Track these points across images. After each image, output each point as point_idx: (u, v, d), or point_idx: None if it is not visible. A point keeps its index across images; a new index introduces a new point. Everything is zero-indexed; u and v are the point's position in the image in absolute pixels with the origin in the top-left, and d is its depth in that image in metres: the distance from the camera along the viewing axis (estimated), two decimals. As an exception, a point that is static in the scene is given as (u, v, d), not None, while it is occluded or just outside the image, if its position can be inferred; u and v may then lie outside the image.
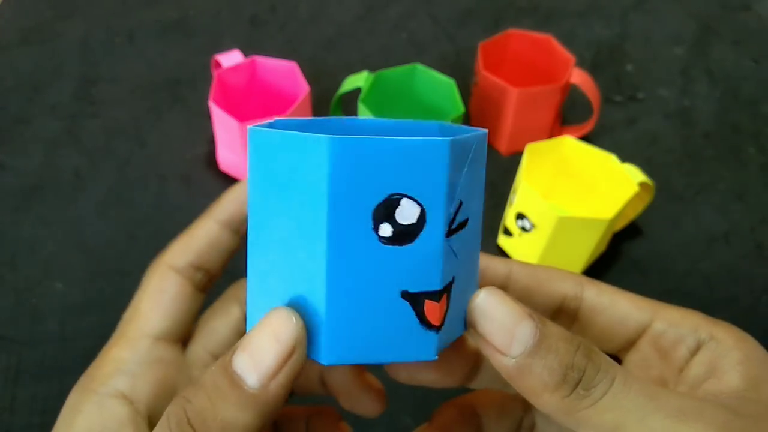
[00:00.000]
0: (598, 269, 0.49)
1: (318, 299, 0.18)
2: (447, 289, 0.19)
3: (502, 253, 0.50)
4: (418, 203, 0.18)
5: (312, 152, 0.17)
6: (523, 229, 0.46)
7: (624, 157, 0.48)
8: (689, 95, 0.63)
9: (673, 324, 0.23)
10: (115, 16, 0.69)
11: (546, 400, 0.19)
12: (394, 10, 0.72)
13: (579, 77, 0.53)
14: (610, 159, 0.47)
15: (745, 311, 0.47)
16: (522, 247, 0.47)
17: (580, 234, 0.44)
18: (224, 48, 0.56)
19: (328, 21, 0.70)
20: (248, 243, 0.20)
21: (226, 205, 0.26)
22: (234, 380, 0.18)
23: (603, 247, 0.48)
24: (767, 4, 0.73)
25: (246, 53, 0.55)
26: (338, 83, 0.55)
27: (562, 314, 0.25)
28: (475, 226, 0.20)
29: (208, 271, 0.26)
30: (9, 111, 0.59)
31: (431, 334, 0.19)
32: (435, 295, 0.19)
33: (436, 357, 0.19)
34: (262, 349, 0.18)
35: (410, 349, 0.19)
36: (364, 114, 0.50)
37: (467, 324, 0.20)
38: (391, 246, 0.18)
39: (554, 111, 0.54)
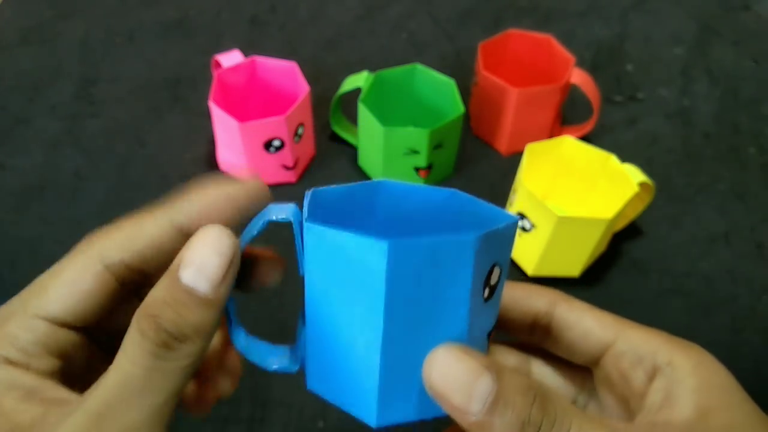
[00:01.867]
0: (598, 269, 0.49)
1: (372, 373, 0.21)
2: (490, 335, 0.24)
3: (502, 253, 0.50)
4: (501, 267, 0.22)
5: (371, 255, 0.20)
6: (523, 229, 0.46)
7: (624, 157, 0.48)
8: (689, 95, 0.63)
9: (634, 346, 0.24)
10: (115, 16, 0.69)
11: None
12: (394, 10, 0.72)
13: (579, 77, 0.53)
14: (610, 159, 0.47)
15: (745, 311, 0.47)
16: (522, 247, 0.47)
17: (580, 234, 0.44)
18: (224, 48, 0.56)
19: (328, 21, 0.70)
20: (307, 317, 0.22)
21: (187, 209, 0.25)
22: (188, 292, 0.20)
23: (603, 247, 0.48)
24: (767, 4, 0.73)
25: (246, 53, 0.55)
26: (338, 83, 0.55)
27: (536, 329, 0.27)
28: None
29: (145, 272, 0.24)
30: (9, 111, 0.59)
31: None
32: (492, 331, 0.24)
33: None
34: (207, 263, 0.21)
35: None
36: (364, 114, 0.50)
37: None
38: (485, 303, 0.22)
39: (554, 111, 0.54)
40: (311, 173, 0.55)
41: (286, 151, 0.51)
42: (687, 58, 0.67)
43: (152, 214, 0.25)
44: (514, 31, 0.57)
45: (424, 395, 0.21)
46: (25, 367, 0.22)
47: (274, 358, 0.24)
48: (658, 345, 0.24)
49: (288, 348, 0.24)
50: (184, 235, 0.24)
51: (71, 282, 0.24)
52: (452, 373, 0.20)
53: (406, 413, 0.22)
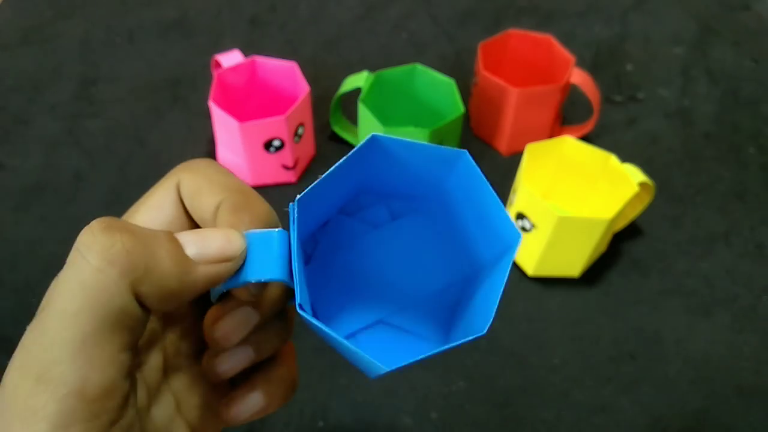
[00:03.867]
0: (598, 269, 0.49)
1: None
2: None
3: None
4: None
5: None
6: (524, 229, 0.46)
7: (624, 157, 0.48)
8: (689, 95, 0.63)
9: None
10: (115, 16, 0.69)
11: None
12: (394, 10, 0.72)
13: (579, 77, 0.53)
14: (610, 159, 0.47)
15: (745, 311, 0.47)
16: (522, 247, 0.47)
17: (580, 234, 0.44)
18: (224, 48, 0.56)
19: (328, 21, 0.70)
20: None
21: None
22: (174, 240, 0.20)
23: (603, 247, 0.48)
24: (767, 4, 0.73)
25: (246, 53, 0.55)
26: (338, 83, 0.55)
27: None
28: None
29: None
30: (9, 111, 0.59)
31: None
32: None
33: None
34: (211, 240, 0.20)
35: None
36: (364, 113, 0.50)
37: None
38: None
39: (554, 111, 0.54)
40: (311, 173, 0.55)
41: (286, 151, 0.51)
42: (687, 58, 0.67)
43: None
44: (514, 31, 0.57)
45: None
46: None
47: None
48: None
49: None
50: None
51: (156, 206, 0.24)
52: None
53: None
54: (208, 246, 0.20)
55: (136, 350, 0.20)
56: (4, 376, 0.20)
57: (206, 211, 0.22)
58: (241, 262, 0.21)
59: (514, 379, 0.43)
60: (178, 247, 0.20)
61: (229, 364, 0.23)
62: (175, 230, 0.21)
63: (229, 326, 0.22)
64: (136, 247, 0.19)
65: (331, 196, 0.23)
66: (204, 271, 0.20)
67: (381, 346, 0.24)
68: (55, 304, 0.20)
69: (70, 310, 0.19)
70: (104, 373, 0.18)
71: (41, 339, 0.20)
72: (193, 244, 0.20)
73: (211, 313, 0.22)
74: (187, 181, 0.23)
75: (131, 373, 0.20)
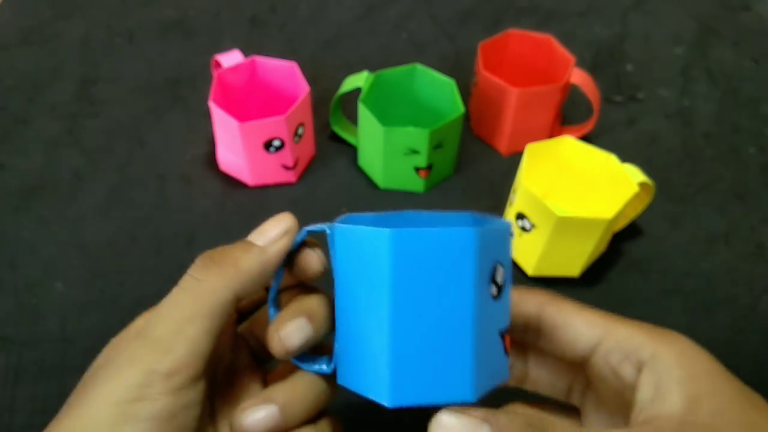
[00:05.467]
0: (598, 269, 0.49)
1: (382, 355, 0.23)
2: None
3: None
4: (504, 267, 0.25)
5: (378, 244, 0.23)
6: (523, 229, 0.46)
7: (624, 157, 0.48)
8: (689, 95, 0.63)
9: (619, 342, 0.25)
10: (115, 16, 0.69)
11: None
12: (394, 10, 0.72)
13: (579, 77, 0.53)
14: (610, 159, 0.47)
15: (745, 311, 0.47)
16: (522, 247, 0.47)
17: (580, 234, 0.44)
18: (224, 48, 0.56)
19: (328, 21, 0.70)
20: (336, 313, 0.26)
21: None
22: (246, 242, 0.27)
23: (603, 247, 0.48)
24: (767, 4, 0.73)
25: (246, 53, 0.55)
26: (338, 83, 0.55)
27: (528, 330, 0.28)
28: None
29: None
30: (9, 111, 0.59)
31: (506, 358, 0.25)
32: (508, 330, 0.26)
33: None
34: (268, 228, 0.27)
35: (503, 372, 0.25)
36: (364, 113, 0.50)
37: None
38: (493, 301, 0.24)
39: (554, 111, 0.54)
40: (311, 173, 0.55)
41: (286, 151, 0.51)
42: (687, 58, 0.67)
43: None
44: (514, 31, 0.57)
45: (437, 381, 0.23)
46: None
47: (314, 364, 0.27)
48: (642, 339, 0.25)
49: (327, 357, 0.28)
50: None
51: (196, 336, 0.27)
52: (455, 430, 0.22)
53: (419, 396, 0.23)
54: (268, 232, 0.27)
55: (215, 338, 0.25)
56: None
57: None
58: (296, 231, 0.27)
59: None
60: (249, 244, 0.27)
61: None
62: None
63: (289, 329, 0.26)
64: (223, 257, 0.26)
65: None
66: (274, 249, 0.27)
67: None
68: (166, 299, 0.26)
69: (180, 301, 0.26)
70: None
71: (153, 318, 0.25)
72: (258, 236, 0.27)
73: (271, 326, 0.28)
74: None
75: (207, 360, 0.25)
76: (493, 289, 0.24)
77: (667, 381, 0.23)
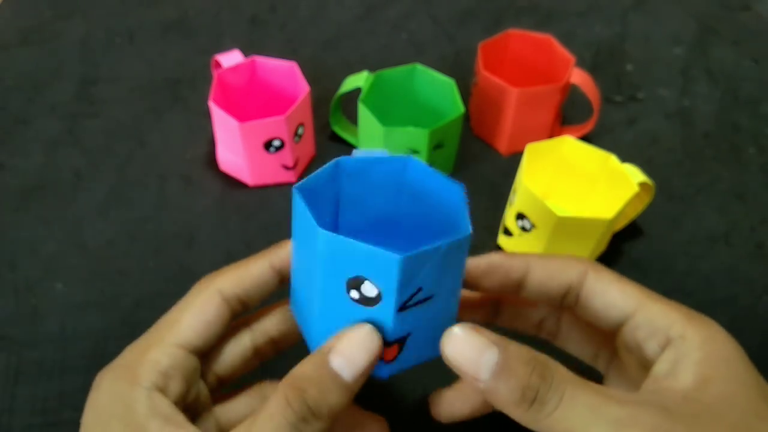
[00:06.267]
0: (598, 269, 0.49)
1: (313, 325, 0.27)
2: (399, 341, 0.26)
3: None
4: (377, 287, 0.24)
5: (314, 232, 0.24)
6: (523, 229, 0.46)
7: (624, 157, 0.48)
8: (689, 95, 0.63)
9: (650, 318, 0.26)
10: (115, 16, 0.69)
11: (512, 412, 0.24)
12: (394, 10, 0.72)
13: (579, 77, 0.53)
14: (610, 159, 0.47)
15: (745, 311, 0.47)
16: (522, 247, 0.47)
17: (580, 234, 0.44)
18: (224, 48, 0.56)
19: (328, 21, 0.70)
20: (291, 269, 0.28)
21: (282, 254, 0.30)
22: (335, 376, 0.24)
23: (603, 247, 0.48)
24: (767, 4, 0.73)
25: (246, 53, 0.55)
26: (338, 83, 0.55)
27: (569, 296, 0.29)
28: (448, 292, 0.26)
29: (248, 305, 0.30)
30: (9, 111, 0.59)
31: (385, 365, 0.26)
32: (387, 344, 0.26)
33: (387, 378, 0.27)
34: (356, 356, 0.24)
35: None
36: (364, 113, 0.50)
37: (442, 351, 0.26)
38: (359, 305, 0.25)
39: (554, 111, 0.54)
40: (311, 173, 0.55)
41: (286, 151, 0.51)
42: (687, 58, 0.67)
43: (252, 259, 0.30)
44: (514, 31, 0.57)
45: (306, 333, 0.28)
46: (163, 391, 0.27)
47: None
48: (674, 319, 0.26)
49: None
50: (279, 276, 0.30)
51: (199, 313, 0.29)
52: (464, 348, 0.24)
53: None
54: (354, 357, 0.24)
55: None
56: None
57: None
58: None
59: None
60: (333, 375, 0.25)
61: None
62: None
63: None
64: (306, 383, 0.25)
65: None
66: (362, 380, 0.25)
67: None
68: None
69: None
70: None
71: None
72: (341, 360, 0.25)
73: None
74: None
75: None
76: (354, 294, 0.25)
77: (685, 360, 0.24)
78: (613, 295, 0.28)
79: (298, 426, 0.23)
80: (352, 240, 0.23)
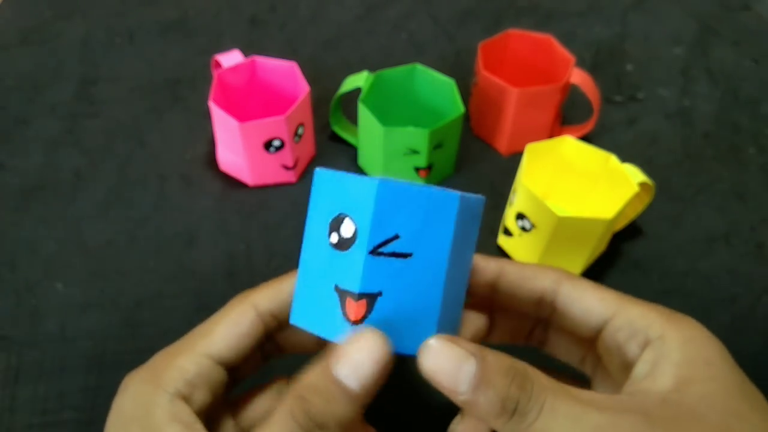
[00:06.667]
0: (598, 269, 0.49)
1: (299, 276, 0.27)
2: (369, 297, 0.24)
3: (502, 253, 0.50)
4: (354, 223, 0.24)
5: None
6: (523, 229, 0.46)
7: (624, 157, 0.48)
8: (689, 95, 0.63)
9: (630, 321, 0.26)
10: (115, 16, 0.69)
11: (493, 424, 0.23)
12: (394, 10, 0.72)
13: (579, 77, 0.53)
14: (610, 159, 0.47)
15: (745, 311, 0.47)
16: (522, 247, 0.47)
17: (580, 234, 0.44)
18: (224, 48, 0.56)
19: (328, 21, 0.70)
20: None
21: None
22: (340, 386, 0.23)
23: (603, 247, 0.48)
24: (767, 4, 0.73)
25: (246, 53, 0.55)
26: (338, 83, 0.55)
27: (543, 304, 0.29)
28: (433, 263, 0.25)
29: (282, 321, 0.30)
30: (9, 111, 0.59)
31: (347, 325, 0.24)
32: (354, 296, 0.24)
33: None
34: (363, 365, 0.23)
35: (334, 332, 0.25)
36: (364, 113, 0.50)
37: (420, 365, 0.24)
38: (336, 250, 0.25)
39: (554, 111, 0.54)
40: (311, 173, 0.55)
41: (286, 151, 0.51)
42: (687, 58, 0.67)
43: (290, 275, 0.30)
44: (514, 31, 0.57)
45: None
46: (188, 399, 0.27)
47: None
48: (653, 319, 0.26)
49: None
50: None
51: (232, 325, 0.29)
52: (441, 360, 0.23)
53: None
54: (359, 364, 0.23)
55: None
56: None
57: None
58: (391, 364, 0.24)
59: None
60: (338, 387, 0.23)
61: None
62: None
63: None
64: (313, 397, 0.24)
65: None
66: (372, 390, 0.24)
67: None
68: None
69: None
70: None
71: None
72: (348, 369, 0.23)
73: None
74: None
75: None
76: (334, 237, 0.25)
77: (664, 362, 0.24)
78: (589, 301, 0.28)
79: None
80: (341, 172, 0.24)
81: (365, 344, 0.23)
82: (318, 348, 0.32)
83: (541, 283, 0.29)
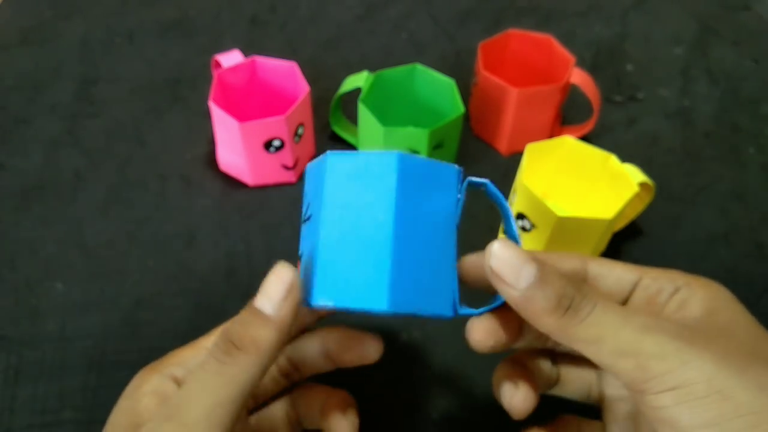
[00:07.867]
0: (598, 269, 0.49)
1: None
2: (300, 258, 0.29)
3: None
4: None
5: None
6: (523, 229, 0.46)
7: (624, 157, 0.48)
8: (689, 95, 0.63)
9: (656, 279, 0.30)
10: (115, 16, 0.69)
11: (545, 321, 0.25)
12: (394, 10, 0.72)
13: (579, 77, 0.53)
14: (610, 159, 0.47)
15: (745, 311, 0.47)
16: (522, 247, 0.47)
17: (580, 234, 0.44)
18: (224, 48, 0.56)
19: (328, 21, 0.70)
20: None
21: (334, 335, 0.34)
22: (255, 312, 0.26)
23: (603, 247, 0.48)
24: (767, 4, 0.73)
25: (246, 53, 0.55)
26: (338, 83, 0.55)
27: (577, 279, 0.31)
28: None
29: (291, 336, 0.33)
30: (9, 111, 0.59)
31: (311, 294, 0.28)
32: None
33: (312, 306, 0.27)
34: (273, 290, 0.26)
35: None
36: (364, 113, 0.50)
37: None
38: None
39: (554, 111, 0.54)
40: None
41: (286, 151, 0.51)
42: (687, 58, 0.67)
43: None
44: (514, 31, 0.57)
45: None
46: (178, 382, 0.29)
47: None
48: (677, 275, 0.29)
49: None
50: (316, 314, 0.34)
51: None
52: (506, 257, 0.26)
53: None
54: (272, 295, 0.26)
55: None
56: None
57: None
58: (298, 285, 0.26)
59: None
60: (262, 318, 0.26)
61: None
62: None
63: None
64: (242, 339, 0.26)
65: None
66: (284, 314, 0.26)
67: None
68: (192, 382, 0.28)
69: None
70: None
71: None
72: (265, 301, 0.26)
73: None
74: None
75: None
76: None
77: (692, 299, 0.28)
78: (618, 271, 0.30)
79: (221, 358, 0.26)
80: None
81: (274, 274, 0.26)
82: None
83: (569, 264, 0.30)
